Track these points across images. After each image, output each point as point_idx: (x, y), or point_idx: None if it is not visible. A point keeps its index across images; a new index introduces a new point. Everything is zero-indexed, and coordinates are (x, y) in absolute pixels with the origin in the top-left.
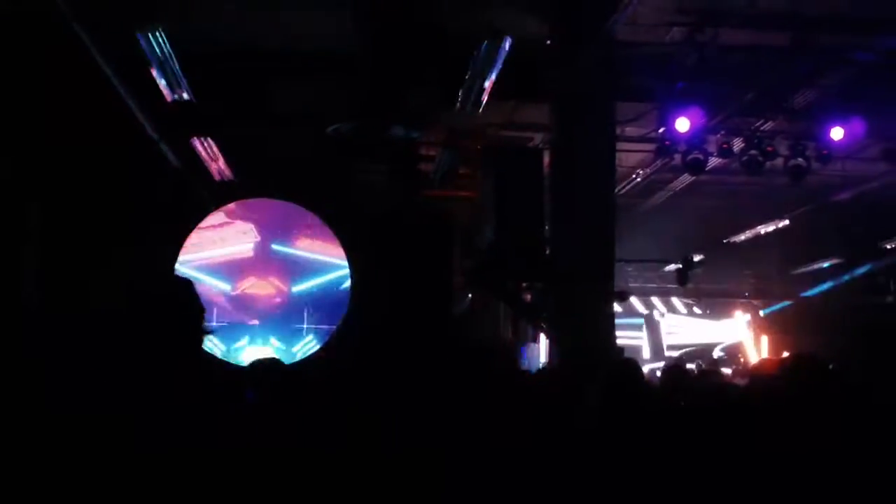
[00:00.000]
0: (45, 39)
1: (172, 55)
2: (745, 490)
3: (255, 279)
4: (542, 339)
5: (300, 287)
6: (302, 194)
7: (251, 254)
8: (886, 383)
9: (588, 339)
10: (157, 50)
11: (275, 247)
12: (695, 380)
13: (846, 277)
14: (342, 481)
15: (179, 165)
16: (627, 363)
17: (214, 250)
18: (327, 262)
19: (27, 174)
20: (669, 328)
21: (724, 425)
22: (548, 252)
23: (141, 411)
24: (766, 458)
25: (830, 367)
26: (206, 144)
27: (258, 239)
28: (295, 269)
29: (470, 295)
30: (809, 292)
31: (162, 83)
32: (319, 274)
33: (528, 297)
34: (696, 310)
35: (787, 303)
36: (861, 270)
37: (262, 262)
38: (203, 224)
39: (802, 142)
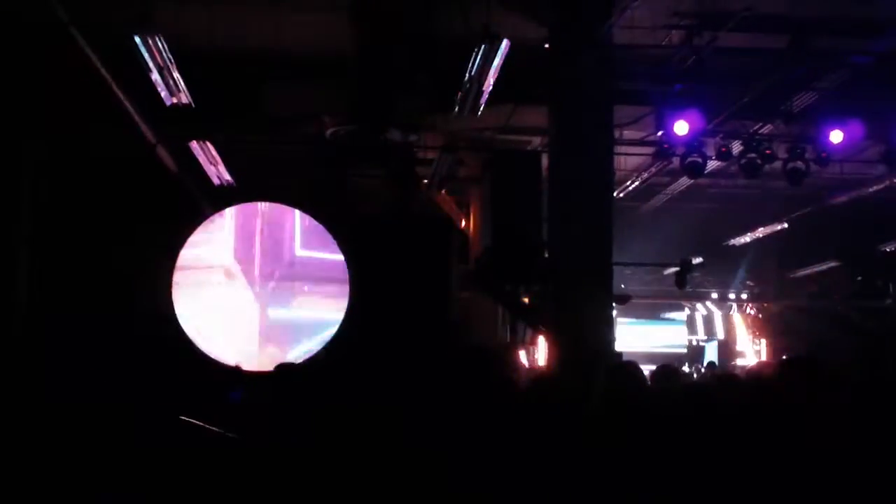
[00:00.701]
0: (43, 44)
1: (171, 59)
2: (751, 490)
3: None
4: (541, 341)
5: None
6: (300, 198)
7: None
8: (883, 383)
9: (586, 341)
10: (156, 54)
11: (271, 313)
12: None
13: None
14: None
15: (177, 169)
16: (628, 365)
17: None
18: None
19: (24, 177)
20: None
21: (726, 428)
22: (546, 255)
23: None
24: (769, 459)
25: (829, 368)
26: (204, 148)
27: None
28: (292, 336)
29: (467, 297)
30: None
31: (160, 87)
32: (315, 334)
33: (527, 299)
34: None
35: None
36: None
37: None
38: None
39: (800, 145)
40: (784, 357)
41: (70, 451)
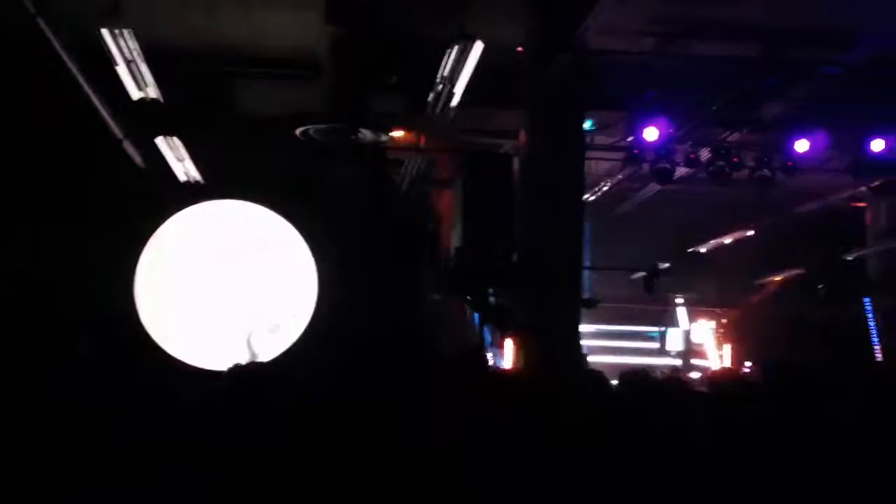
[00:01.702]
0: (8, 35)
1: (139, 53)
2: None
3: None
4: (509, 344)
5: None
6: (269, 197)
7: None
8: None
9: (555, 345)
10: (123, 48)
11: (237, 313)
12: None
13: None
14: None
15: (144, 165)
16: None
17: None
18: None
19: None
20: None
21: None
22: (516, 258)
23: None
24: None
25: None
26: (172, 144)
27: None
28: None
29: (438, 299)
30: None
31: (128, 81)
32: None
33: (496, 302)
34: None
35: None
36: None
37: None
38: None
39: (768, 153)
40: (749, 363)
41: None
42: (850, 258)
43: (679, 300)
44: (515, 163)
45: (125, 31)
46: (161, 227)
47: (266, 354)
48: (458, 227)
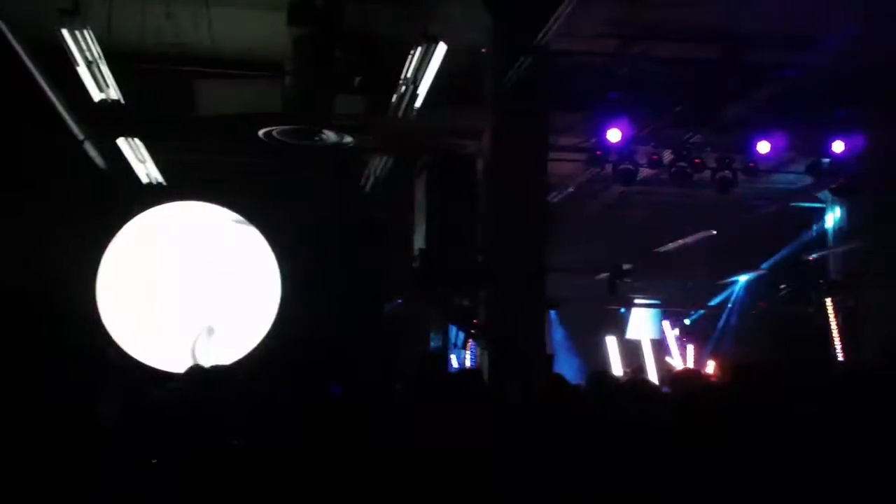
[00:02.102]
0: None
1: (100, 54)
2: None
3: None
4: (472, 345)
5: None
6: (231, 198)
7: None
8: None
9: (518, 346)
10: (84, 48)
11: (201, 315)
12: (623, 387)
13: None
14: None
15: (105, 167)
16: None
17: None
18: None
19: None
20: None
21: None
22: (480, 259)
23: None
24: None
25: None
26: (133, 146)
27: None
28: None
29: (401, 301)
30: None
31: (89, 82)
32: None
33: (460, 303)
34: None
35: (704, 311)
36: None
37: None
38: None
39: (730, 154)
40: (712, 363)
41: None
42: (810, 258)
43: (643, 301)
44: (479, 164)
45: (86, 32)
46: (123, 228)
47: (227, 356)
48: (422, 229)
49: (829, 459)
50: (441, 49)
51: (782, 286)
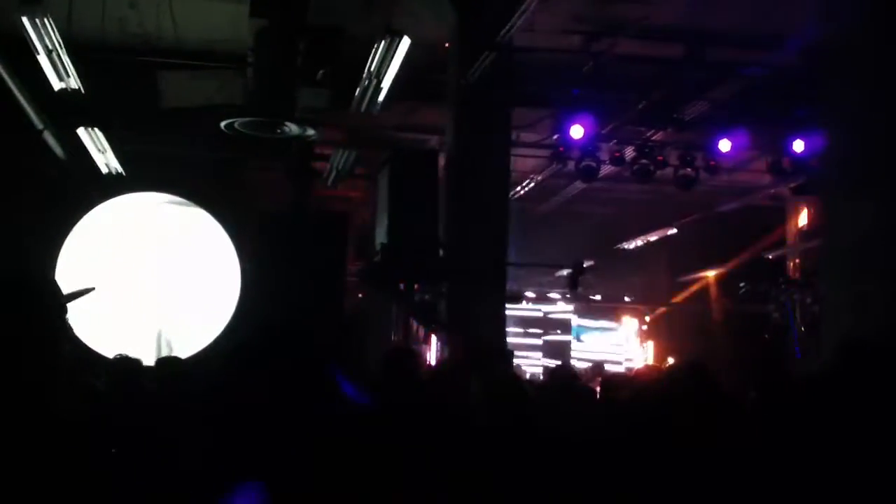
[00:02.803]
0: None
1: (60, 43)
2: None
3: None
4: (434, 340)
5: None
6: (192, 190)
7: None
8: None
9: (479, 340)
10: (45, 36)
11: (160, 308)
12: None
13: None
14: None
15: (65, 157)
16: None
17: None
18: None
19: None
20: None
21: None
22: (441, 253)
23: None
24: (654, 457)
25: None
26: (93, 136)
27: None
28: (181, 331)
29: (362, 295)
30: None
31: (49, 71)
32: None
33: (421, 297)
34: None
35: (666, 308)
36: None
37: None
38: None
39: (691, 152)
40: (671, 362)
41: None
42: (770, 257)
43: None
44: (441, 158)
45: (46, 20)
46: (82, 219)
47: (186, 348)
48: (383, 222)
49: (764, 458)
50: (405, 43)
51: (742, 284)
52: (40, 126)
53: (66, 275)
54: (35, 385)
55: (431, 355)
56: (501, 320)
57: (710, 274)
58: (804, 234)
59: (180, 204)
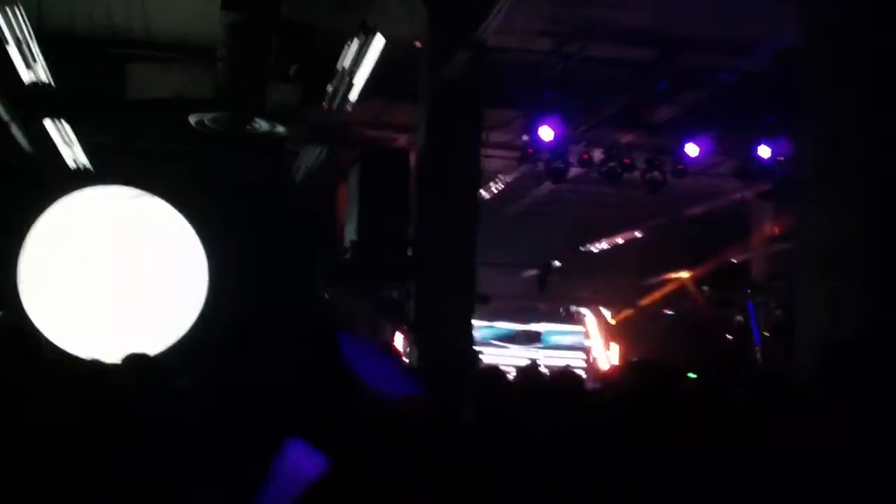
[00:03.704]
0: None
1: (30, 34)
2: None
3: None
4: (401, 338)
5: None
6: (161, 185)
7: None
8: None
9: (448, 341)
10: (15, 27)
11: (126, 305)
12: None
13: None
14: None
15: (30, 149)
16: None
17: None
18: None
19: None
20: None
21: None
22: (410, 252)
23: None
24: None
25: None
26: (60, 129)
27: None
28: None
29: (327, 294)
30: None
31: (17, 61)
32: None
33: (390, 296)
34: None
35: (632, 311)
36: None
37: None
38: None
39: (659, 156)
40: (629, 361)
41: None
42: (735, 261)
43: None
44: (412, 157)
45: (16, 10)
46: (46, 213)
47: (155, 346)
48: (353, 221)
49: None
50: (379, 41)
51: (706, 288)
52: (6, 117)
53: (30, 272)
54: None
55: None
56: (469, 320)
57: (676, 277)
58: (769, 238)
59: (146, 198)
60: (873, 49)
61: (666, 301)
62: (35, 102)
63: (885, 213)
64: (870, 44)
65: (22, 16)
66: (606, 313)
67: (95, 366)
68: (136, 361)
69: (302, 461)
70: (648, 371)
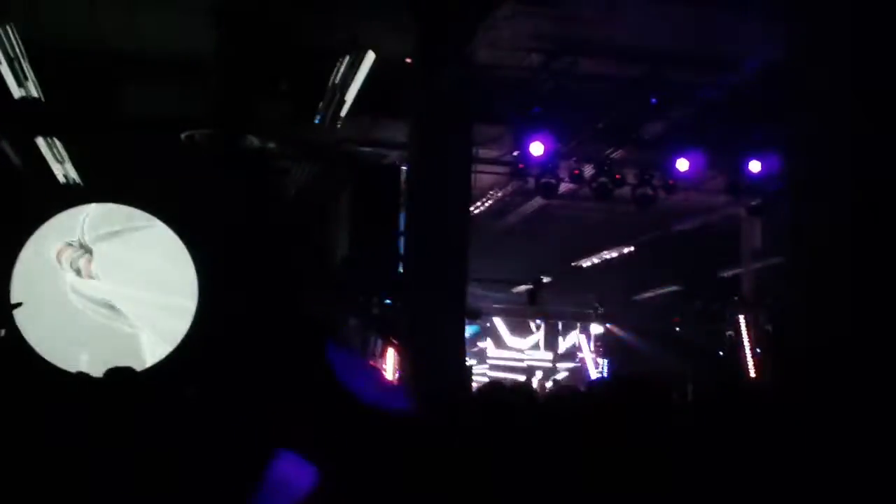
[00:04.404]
0: None
1: (22, 50)
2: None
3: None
4: (391, 353)
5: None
6: (151, 202)
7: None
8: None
9: (438, 355)
10: (6, 44)
11: (116, 319)
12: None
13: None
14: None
15: (21, 165)
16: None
17: None
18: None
19: None
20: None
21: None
22: (401, 268)
23: None
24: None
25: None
26: (52, 145)
27: None
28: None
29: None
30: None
31: (9, 79)
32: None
33: (380, 311)
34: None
35: (622, 326)
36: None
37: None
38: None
39: (650, 171)
40: (616, 376)
41: None
42: (724, 276)
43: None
44: (402, 173)
45: (9, 28)
46: (38, 230)
47: (147, 359)
48: (344, 236)
49: (704, 472)
50: (369, 58)
51: (697, 302)
52: None
53: (22, 287)
54: None
55: (388, 368)
56: (461, 335)
57: (666, 292)
58: (759, 253)
59: (138, 215)
60: (855, 67)
61: (655, 316)
62: (27, 120)
63: (870, 228)
64: (852, 62)
65: (14, 33)
66: (597, 328)
67: (82, 378)
68: (118, 374)
69: (293, 473)
70: (641, 387)
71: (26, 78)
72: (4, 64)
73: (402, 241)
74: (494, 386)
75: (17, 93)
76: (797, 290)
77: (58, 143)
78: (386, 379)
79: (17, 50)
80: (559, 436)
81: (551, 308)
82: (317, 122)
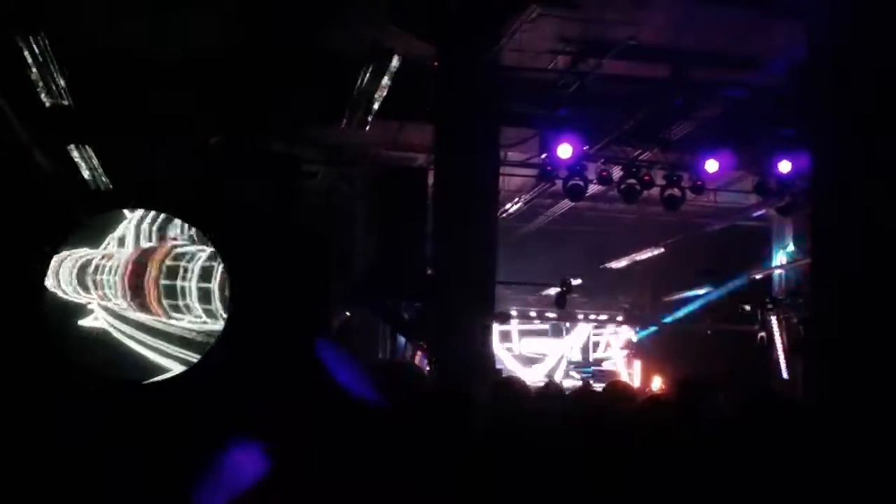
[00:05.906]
0: None
1: (52, 58)
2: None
3: None
4: (421, 357)
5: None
6: (179, 207)
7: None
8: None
9: (467, 358)
10: (37, 52)
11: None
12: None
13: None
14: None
15: (53, 172)
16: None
17: None
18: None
19: None
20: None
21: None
22: (429, 272)
23: None
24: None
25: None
26: (82, 152)
27: None
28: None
29: (348, 313)
30: (670, 318)
31: (40, 87)
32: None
33: (409, 316)
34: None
35: (654, 328)
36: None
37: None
38: None
39: (678, 172)
40: (679, 378)
41: None
42: (756, 276)
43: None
44: (429, 177)
45: (41, 38)
46: (69, 236)
47: (173, 368)
48: (371, 240)
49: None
50: (395, 62)
51: (743, 305)
52: (28, 142)
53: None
54: None
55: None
56: (489, 338)
57: (697, 294)
58: (790, 254)
59: (167, 220)
60: (873, 69)
61: (686, 318)
62: (57, 127)
63: (889, 226)
64: (869, 64)
65: (45, 42)
66: (628, 330)
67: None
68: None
69: (244, 461)
70: (694, 388)
71: (57, 87)
72: (35, 72)
73: (429, 244)
74: (515, 385)
75: (47, 101)
76: (826, 290)
77: (88, 148)
78: (382, 377)
79: (49, 58)
80: (587, 440)
81: (580, 310)
82: (342, 126)
